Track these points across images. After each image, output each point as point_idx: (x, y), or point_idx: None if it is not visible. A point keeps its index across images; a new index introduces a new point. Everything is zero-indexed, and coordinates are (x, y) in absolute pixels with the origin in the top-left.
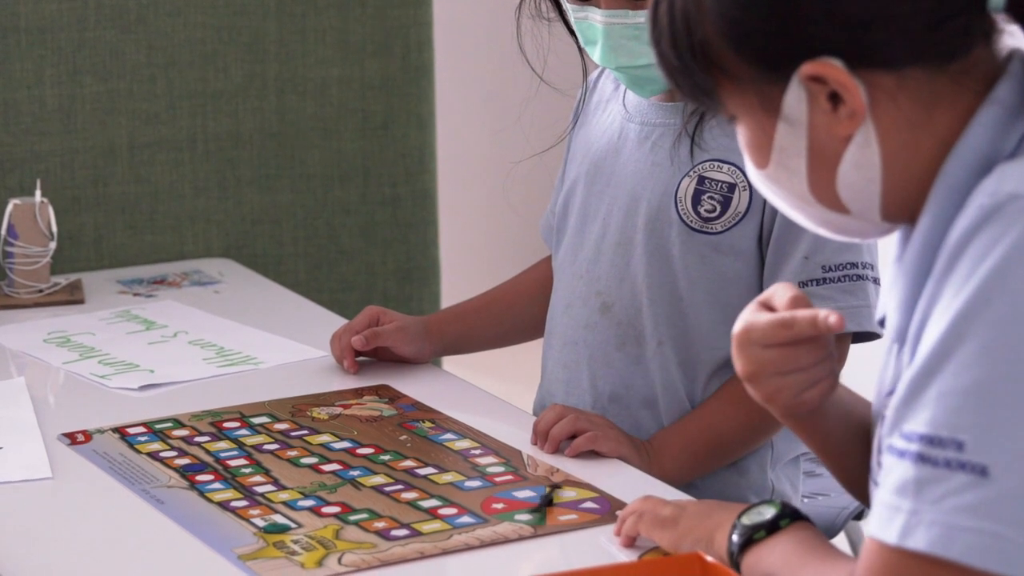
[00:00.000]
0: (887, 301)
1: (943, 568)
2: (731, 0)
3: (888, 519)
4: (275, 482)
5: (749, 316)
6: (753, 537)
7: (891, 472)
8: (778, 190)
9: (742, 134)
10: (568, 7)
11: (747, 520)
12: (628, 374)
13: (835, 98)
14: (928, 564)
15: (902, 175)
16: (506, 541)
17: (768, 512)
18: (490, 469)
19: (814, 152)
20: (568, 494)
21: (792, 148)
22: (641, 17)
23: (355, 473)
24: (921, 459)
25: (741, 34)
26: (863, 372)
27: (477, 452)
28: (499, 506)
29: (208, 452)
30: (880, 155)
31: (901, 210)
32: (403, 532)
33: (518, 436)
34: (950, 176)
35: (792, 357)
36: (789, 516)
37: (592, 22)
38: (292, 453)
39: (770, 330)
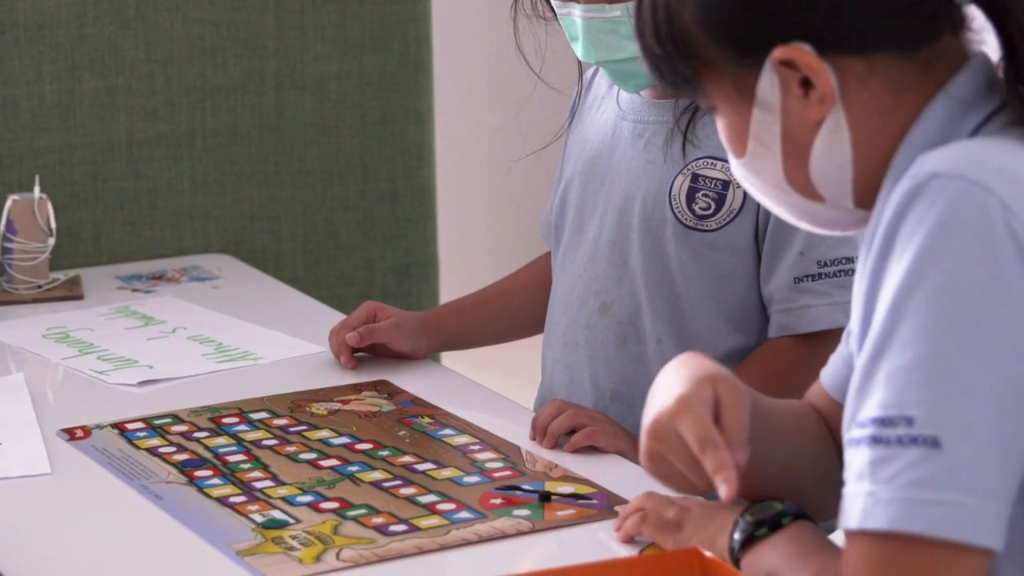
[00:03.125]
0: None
1: (909, 543)
2: None
3: (850, 507)
4: (274, 478)
5: (701, 398)
6: (755, 534)
7: (852, 463)
8: (755, 180)
9: (721, 123)
10: (554, 4)
11: (750, 517)
12: (629, 373)
13: (807, 83)
14: (894, 542)
15: (872, 161)
16: (504, 536)
17: (771, 509)
18: (489, 465)
19: (788, 137)
20: (566, 489)
21: (767, 135)
22: (618, 11)
23: (353, 469)
24: (875, 441)
25: (716, 21)
26: None
27: (476, 448)
28: (497, 501)
29: (207, 448)
30: (851, 140)
31: (872, 197)
32: (401, 528)
33: (517, 432)
34: (896, 167)
35: (680, 460)
36: (792, 514)
37: (573, 18)
38: (291, 449)
39: (689, 430)
